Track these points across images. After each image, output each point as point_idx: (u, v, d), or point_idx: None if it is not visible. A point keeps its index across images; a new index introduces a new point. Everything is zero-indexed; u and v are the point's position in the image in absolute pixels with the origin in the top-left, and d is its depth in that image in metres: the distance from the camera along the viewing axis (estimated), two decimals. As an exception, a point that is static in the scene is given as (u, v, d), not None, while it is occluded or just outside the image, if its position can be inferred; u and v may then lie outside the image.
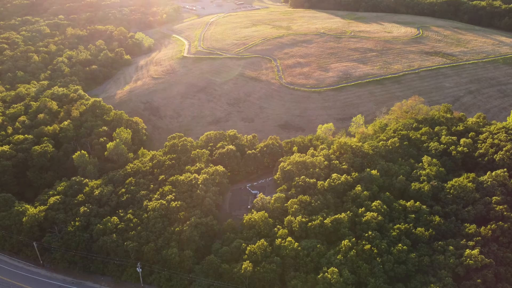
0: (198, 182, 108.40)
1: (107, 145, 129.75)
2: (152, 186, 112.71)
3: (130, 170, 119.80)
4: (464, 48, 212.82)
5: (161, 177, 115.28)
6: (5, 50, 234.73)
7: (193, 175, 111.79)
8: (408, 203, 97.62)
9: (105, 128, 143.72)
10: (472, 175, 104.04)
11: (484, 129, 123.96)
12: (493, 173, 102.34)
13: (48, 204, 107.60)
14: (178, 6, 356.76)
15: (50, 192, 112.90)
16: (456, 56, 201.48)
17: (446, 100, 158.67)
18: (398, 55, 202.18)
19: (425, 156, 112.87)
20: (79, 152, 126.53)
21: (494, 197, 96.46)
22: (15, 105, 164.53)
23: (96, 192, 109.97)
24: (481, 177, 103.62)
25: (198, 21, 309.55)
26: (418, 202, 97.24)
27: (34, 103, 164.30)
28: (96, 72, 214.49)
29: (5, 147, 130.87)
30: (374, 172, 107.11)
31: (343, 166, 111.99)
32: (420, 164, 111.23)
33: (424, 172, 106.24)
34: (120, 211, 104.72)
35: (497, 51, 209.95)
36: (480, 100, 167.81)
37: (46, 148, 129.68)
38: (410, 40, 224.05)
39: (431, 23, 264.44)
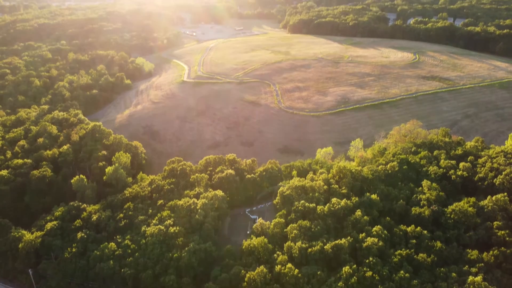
0: (197, 207, 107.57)
1: (106, 170, 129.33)
2: (150, 211, 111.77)
3: (128, 194, 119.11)
4: (460, 73, 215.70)
5: (160, 202, 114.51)
6: (7, 75, 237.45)
7: (192, 199, 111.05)
8: (409, 228, 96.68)
9: (104, 152, 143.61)
10: (472, 199, 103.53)
11: (482, 153, 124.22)
12: (493, 198, 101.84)
13: (45, 229, 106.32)
14: (178, 32, 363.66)
15: (48, 218, 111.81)
16: (453, 81, 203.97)
17: (444, 124, 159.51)
18: (396, 80, 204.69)
19: (424, 180, 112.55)
20: (77, 176, 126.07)
21: (495, 222, 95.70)
22: (15, 130, 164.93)
23: (94, 217, 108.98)
24: (482, 201, 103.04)
25: (198, 46, 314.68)
26: (419, 227, 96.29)
27: (34, 127, 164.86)
28: (97, 96, 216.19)
29: (4, 172, 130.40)
30: (374, 196, 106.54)
31: (343, 191, 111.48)
32: (420, 188, 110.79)
33: (424, 196, 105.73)
34: (117, 236, 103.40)
35: (493, 75, 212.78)
36: (478, 124, 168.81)
37: (44, 172, 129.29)
38: (407, 65, 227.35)
39: (427, 48, 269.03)
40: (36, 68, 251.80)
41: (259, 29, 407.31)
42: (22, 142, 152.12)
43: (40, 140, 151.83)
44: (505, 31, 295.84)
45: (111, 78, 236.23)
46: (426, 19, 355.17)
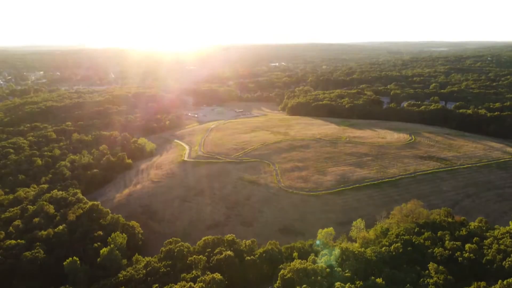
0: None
1: (101, 251, 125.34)
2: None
3: (122, 278, 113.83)
4: (456, 153, 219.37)
5: (155, 286, 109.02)
6: (10, 154, 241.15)
7: (189, 283, 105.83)
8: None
9: (100, 232, 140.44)
10: (482, 284, 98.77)
11: (488, 234, 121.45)
12: (505, 282, 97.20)
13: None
14: (180, 113, 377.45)
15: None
16: (450, 161, 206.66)
17: (445, 204, 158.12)
18: (394, 159, 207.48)
19: (431, 263, 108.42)
20: (70, 258, 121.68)
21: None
22: (12, 209, 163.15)
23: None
24: (493, 286, 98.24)
25: (199, 127, 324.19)
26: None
27: (31, 206, 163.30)
28: (97, 176, 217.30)
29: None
30: (379, 280, 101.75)
31: (346, 274, 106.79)
32: (427, 271, 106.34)
33: (431, 280, 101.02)
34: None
35: (489, 155, 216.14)
36: (479, 204, 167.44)
37: (37, 254, 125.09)
38: (403, 145, 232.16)
39: (422, 129, 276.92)
40: (40, 148, 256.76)
41: (259, 111, 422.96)
42: (17, 222, 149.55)
43: (36, 220, 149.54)
44: (495, 113, 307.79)
45: (113, 158, 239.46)
46: (419, 102, 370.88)
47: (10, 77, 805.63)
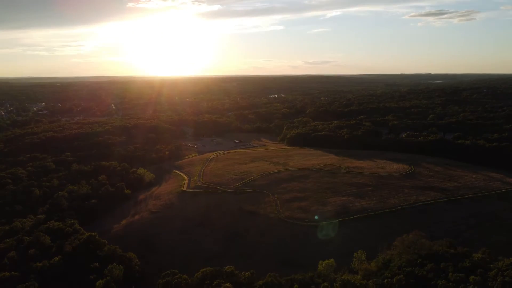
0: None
1: (97, 283, 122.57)
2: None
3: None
4: (457, 183, 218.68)
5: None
6: (8, 184, 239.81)
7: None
8: None
9: (96, 264, 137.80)
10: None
11: (492, 265, 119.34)
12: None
13: None
14: (180, 144, 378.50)
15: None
16: (451, 191, 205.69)
17: (447, 235, 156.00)
18: (394, 190, 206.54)
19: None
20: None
21: None
22: (7, 240, 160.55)
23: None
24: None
25: (199, 157, 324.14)
26: None
27: (27, 237, 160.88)
28: (95, 206, 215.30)
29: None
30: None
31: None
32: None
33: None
34: None
35: (489, 186, 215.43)
36: (482, 235, 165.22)
37: (31, 287, 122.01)
38: (403, 176, 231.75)
39: (421, 160, 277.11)
40: (38, 178, 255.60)
41: (258, 142, 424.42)
42: (12, 254, 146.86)
43: (32, 251, 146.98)
44: (494, 144, 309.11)
45: (111, 188, 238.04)
46: (418, 133, 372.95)
47: (11, 108, 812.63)
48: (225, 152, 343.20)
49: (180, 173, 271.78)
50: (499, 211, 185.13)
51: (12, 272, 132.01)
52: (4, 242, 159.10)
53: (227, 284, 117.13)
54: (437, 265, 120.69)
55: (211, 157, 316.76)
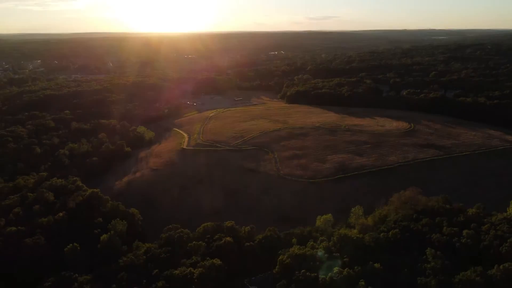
0: (194, 277, 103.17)
1: (101, 238, 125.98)
2: (144, 281, 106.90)
3: (122, 264, 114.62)
4: (455, 141, 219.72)
5: (155, 271, 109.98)
6: (9, 143, 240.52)
7: (189, 269, 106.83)
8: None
9: (100, 219, 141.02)
10: (479, 268, 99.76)
11: (485, 220, 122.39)
12: (501, 267, 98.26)
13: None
14: (179, 102, 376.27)
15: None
16: (449, 148, 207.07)
17: (443, 191, 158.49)
18: (393, 147, 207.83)
19: (428, 248, 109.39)
20: (71, 245, 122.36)
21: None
22: (12, 197, 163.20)
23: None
24: (489, 270, 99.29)
25: (198, 115, 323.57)
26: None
27: (30, 194, 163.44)
28: (96, 164, 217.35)
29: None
30: (377, 265, 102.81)
31: (345, 259, 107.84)
32: (424, 256, 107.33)
33: (429, 265, 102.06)
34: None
35: (487, 143, 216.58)
36: (478, 191, 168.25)
37: (37, 241, 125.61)
38: (402, 133, 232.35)
39: (421, 117, 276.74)
40: (38, 137, 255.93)
41: (258, 99, 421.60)
42: (17, 210, 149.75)
43: (36, 207, 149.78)
44: (495, 101, 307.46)
45: (112, 146, 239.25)
46: (418, 90, 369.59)
47: (7, 66, 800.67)
48: (225, 110, 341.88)
49: (180, 131, 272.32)
50: (496, 168, 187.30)
51: (19, 227, 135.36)
52: (8, 198, 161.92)
53: (228, 238, 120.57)
54: (432, 220, 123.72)
55: (211, 115, 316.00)
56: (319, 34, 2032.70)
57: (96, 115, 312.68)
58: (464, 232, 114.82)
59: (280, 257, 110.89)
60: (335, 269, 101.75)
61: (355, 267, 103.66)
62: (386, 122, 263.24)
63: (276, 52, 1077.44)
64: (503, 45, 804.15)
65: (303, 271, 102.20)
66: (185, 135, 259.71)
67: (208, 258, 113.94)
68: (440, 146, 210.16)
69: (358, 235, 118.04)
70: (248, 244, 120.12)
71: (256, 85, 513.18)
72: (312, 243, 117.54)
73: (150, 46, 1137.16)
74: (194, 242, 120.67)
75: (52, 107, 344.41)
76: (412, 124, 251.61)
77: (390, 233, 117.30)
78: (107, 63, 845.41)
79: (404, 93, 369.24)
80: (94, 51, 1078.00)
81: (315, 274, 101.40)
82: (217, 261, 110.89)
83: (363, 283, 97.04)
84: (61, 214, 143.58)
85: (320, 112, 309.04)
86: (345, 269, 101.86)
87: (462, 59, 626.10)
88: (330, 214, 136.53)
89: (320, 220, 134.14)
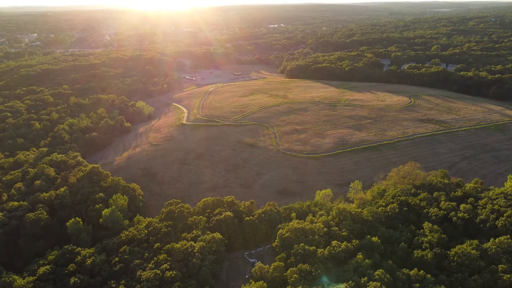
0: (195, 250, 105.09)
1: (103, 212, 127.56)
2: (146, 254, 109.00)
3: (124, 237, 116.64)
4: (455, 116, 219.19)
5: (157, 245, 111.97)
6: (8, 118, 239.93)
7: (190, 242, 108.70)
8: (412, 271, 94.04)
9: (101, 194, 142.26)
10: (475, 242, 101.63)
11: (482, 194, 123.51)
12: (497, 240, 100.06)
13: (37, 274, 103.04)
14: (178, 76, 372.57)
15: (40, 262, 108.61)
16: (449, 123, 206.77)
17: (442, 166, 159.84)
18: (392, 122, 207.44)
19: (425, 222, 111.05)
20: (73, 219, 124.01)
21: (500, 265, 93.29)
22: (13, 172, 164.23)
23: (88, 261, 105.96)
24: (485, 244, 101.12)
25: (198, 90, 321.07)
26: (422, 271, 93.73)
27: (31, 169, 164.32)
28: (96, 139, 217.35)
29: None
30: (375, 239, 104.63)
31: (343, 233, 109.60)
32: (421, 230, 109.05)
33: (426, 239, 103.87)
34: (112, 281, 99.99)
35: (487, 118, 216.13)
36: (476, 166, 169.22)
37: (40, 215, 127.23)
38: (402, 108, 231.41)
39: (422, 92, 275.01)
40: (37, 112, 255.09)
41: (257, 74, 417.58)
42: (19, 185, 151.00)
43: (37, 182, 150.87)
44: (496, 75, 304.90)
45: (111, 121, 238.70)
46: (420, 64, 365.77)
47: (3, 40, 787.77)
48: (224, 84, 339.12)
49: (179, 106, 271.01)
50: (495, 143, 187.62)
51: (21, 202, 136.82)
52: (10, 173, 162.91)
53: (228, 213, 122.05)
54: (430, 195, 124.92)
55: (210, 89, 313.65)
56: (320, 6, 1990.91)
57: (94, 90, 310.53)
58: (462, 206, 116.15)
59: (279, 231, 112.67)
60: (333, 243, 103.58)
61: (353, 241, 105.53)
62: (386, 96, 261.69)
63: (276, 25, 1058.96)
64: (506, 17, 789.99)
65: (302, 244, 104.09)
66: (185, 110, 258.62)
67: (208, 232, 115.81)
68: (440, 121, 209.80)
69: (356, 210, 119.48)
70: (248, 218, 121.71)
71: (256, 59, 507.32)
72: (311, 217, 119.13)
73: (148, 19, 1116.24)
74: (194, 216, 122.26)
75: (50, 82, 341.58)
76: (412, 99, 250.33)
77: (388, 207, 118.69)
78: (104, 36, 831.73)
79: (405, 68, 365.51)
80: (91, 24, 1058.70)
81: (314, 247, 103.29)
82: (217, 235, 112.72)
83: (360, 256, 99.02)
84: (62, 189, 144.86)
85: (320, 86, 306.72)
86: (343, 243, 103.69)
87: (464, 32, 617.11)
88: (329, 189, 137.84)
89: (319, 195, 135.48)
